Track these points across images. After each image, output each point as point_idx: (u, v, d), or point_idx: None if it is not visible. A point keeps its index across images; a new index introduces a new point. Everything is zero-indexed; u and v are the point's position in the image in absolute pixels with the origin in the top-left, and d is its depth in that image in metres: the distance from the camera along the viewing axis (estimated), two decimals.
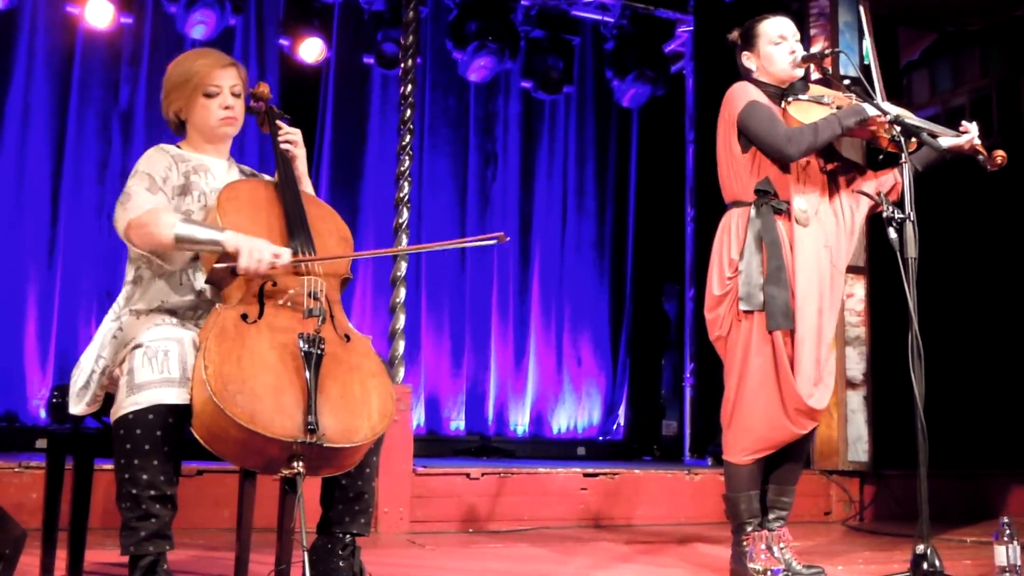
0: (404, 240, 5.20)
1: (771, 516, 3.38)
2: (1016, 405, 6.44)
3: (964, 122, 3.40)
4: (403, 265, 5.23)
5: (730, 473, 3.39)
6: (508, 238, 2.68)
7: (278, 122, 2.87)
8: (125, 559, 2.34)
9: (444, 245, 2.93)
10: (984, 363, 6.65)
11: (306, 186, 2.88)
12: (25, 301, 6.22)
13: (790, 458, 3.40)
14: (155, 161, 2.67)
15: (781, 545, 3.32)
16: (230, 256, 2.44)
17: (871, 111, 3.24)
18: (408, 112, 5.39)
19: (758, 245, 3.30)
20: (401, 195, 5.27)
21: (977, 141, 3.36)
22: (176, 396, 2.30)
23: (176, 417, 2.30)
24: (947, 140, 3.34)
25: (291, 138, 2.85)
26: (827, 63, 3.42)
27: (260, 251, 2.42)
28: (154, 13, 6.66)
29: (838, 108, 3.34)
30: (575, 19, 7.53)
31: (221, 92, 2.73)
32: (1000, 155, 3.35)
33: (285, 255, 2.46)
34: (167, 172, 2.66)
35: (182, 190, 2.67)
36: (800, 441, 3.37)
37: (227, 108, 2.74)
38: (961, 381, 6.32)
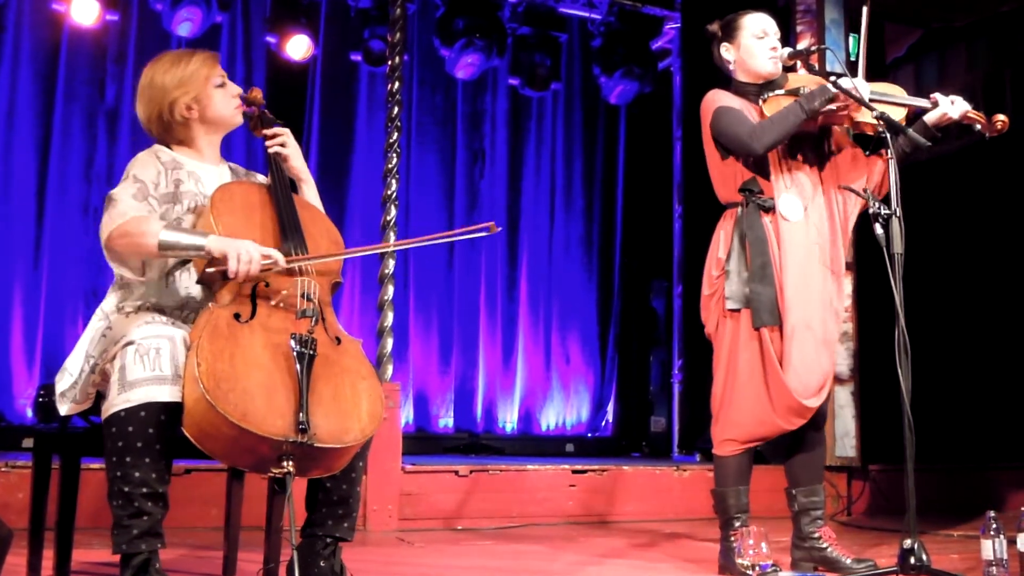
0: (392, 237, 5.19)
1: (806, 520, 3.35)
2: (1003, 399, 6.47)
3: (936, 95, 3.35)
4: (391, 263, 5.23)
5: (717, 466, 3.40)
6: (499, 228, 2.68)
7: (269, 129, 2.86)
8: (112, 558, 2.34)
9: (435, 239, 2.94)
10: (971, 358, 6.67)
11: (308, 185, 2.89)
12: (11, 300, 6.19)
13: (807, 459, 3.40)
14: (147, 167, 2.65)
15: (824, 544, 3.31)
16: (216, 260, 2.43)
17: (845, 84, 3.20)
18: (395, 109, 5.38)
19: (742, 244, 3.31)
20: (389, 192, 5.27)
21: (968, 109, 3.30)
22: (168, 394, 2.28)
23: (168, 415, 2.28)
24: (934, 114, 3.31)
25: (283, 139, 2.84)
26: (813, 59, 3.40)
27: (249, 253, 2.41)
28: (140, 10, 6.63)
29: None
30: (562, 16, 7.53)
31: (227, 83, 2.79)
32: (1000, 120, 3.28)
33: (277, 258, 2.45)
34: (158, 179, 2.65)
35: (172, 198, 2.65)
36: (810, 439, 3.39)
37: (236, 96, 2.80)
38: (948, 376, 6.34)
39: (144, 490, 2.28)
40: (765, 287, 3.25)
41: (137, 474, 2.27)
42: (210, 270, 2.46)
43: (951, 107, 3.30)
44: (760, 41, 3.40)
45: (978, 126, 3.32)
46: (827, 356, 3.30)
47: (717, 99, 3.38)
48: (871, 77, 3.38)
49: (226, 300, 2.45)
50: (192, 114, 2.74)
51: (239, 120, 2.83)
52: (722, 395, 3.36)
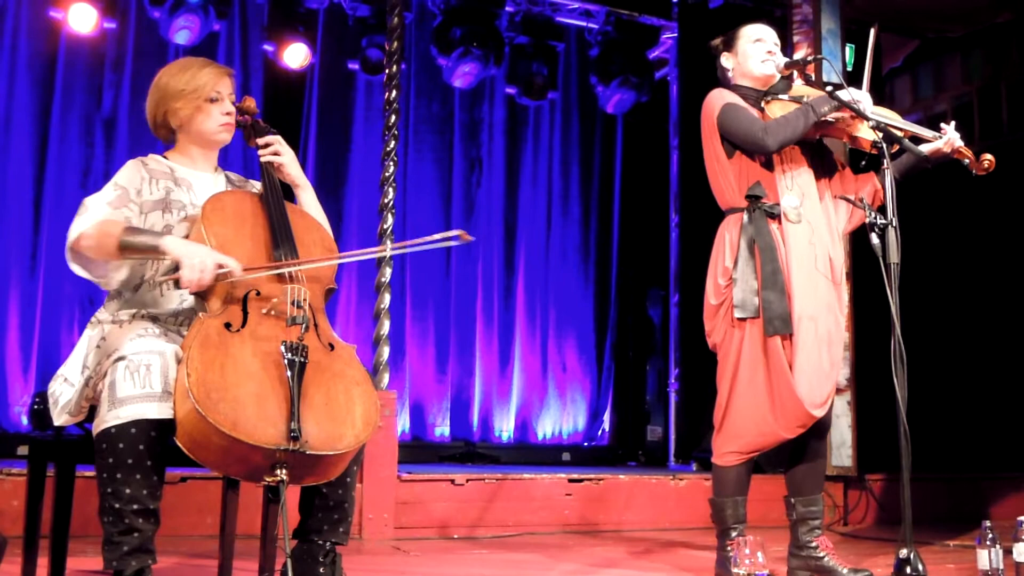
0: (388, 245, 5.18)
1: (804, 529, 3.34)
2: (999, 409, 6.48)
3: (943, 124, 3.40)
4: (387, 271, 5.23)
5: (717, 476, 3.40)
6: (472, 237, 2.65)
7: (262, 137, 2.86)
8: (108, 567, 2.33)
9: (405, 247, 2.84)
10: (967, 367, 6.68)
11: (305, 190, 2.89)
12: (7, 307, 6.17)
13: (809, 468, 3.40)
14: (132, 175, 2.67)
15: (822, 553, 3.30)
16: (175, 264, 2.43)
17: (844, 96, 3.23)
18: (393, 118, 5.39)
19: (751, 251, 3.30)
20: (386, 201, 5.27)
21: (959, 144, 3.36)
22: (157, 411, 2.28)
23: (159, 431, 2.28)
24: (929, 145, 3.36)
25: (275, 148, 2.83)
26: (810, 70, 3.43)
27: (203, 261, 2.39)
28: (137, 18, 6.63)
29: None
30: (559, 25, 7.54)
31: (222, 99, 2.75)
32: (988, 159, 3.34)
33: (233, 266, 2.43)
34: (141, 185, 2.66)
35: (162, 205, 2.65)
36: (813, 448, 3.38)
37: (227, 114, 2.76)
38: (944, 385, 6.35)
39: (135, 507, 2.27)
40: (777, 295, 3.24)
41: (128, 491, 2.26)
42: (163, 278, 2.50)
43: (946, 142, 3.34)
44: (756, 45, 3.46)
45: (966, 162, 3.37)
46: (830, 361, 3.29)
47: (723, 96, 3.41)
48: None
49: (217, 309, 2.44)
50: (176, 122, 2.75)
51: (222, 138, 2.79)
52: (727, 404, 3.35)
